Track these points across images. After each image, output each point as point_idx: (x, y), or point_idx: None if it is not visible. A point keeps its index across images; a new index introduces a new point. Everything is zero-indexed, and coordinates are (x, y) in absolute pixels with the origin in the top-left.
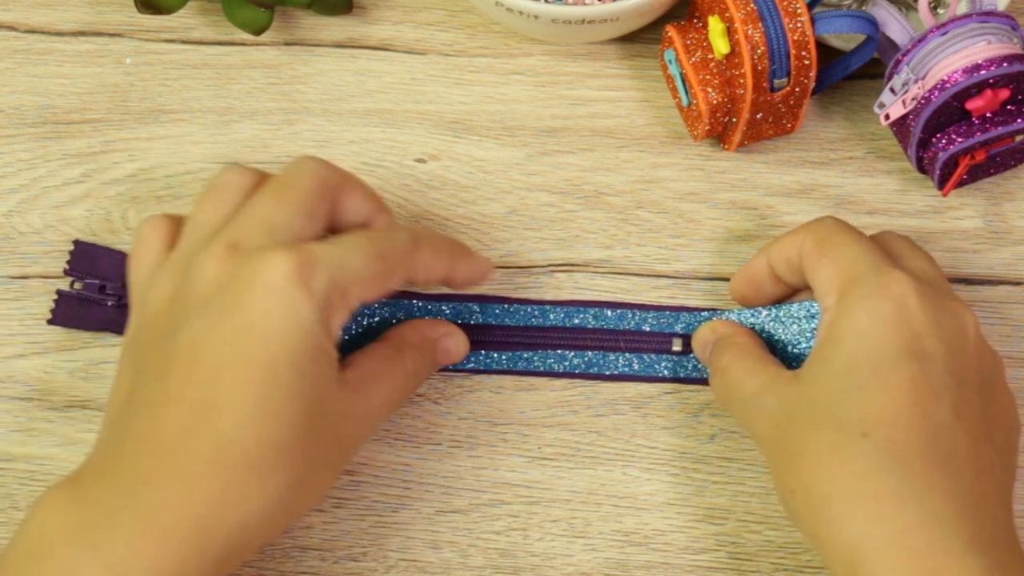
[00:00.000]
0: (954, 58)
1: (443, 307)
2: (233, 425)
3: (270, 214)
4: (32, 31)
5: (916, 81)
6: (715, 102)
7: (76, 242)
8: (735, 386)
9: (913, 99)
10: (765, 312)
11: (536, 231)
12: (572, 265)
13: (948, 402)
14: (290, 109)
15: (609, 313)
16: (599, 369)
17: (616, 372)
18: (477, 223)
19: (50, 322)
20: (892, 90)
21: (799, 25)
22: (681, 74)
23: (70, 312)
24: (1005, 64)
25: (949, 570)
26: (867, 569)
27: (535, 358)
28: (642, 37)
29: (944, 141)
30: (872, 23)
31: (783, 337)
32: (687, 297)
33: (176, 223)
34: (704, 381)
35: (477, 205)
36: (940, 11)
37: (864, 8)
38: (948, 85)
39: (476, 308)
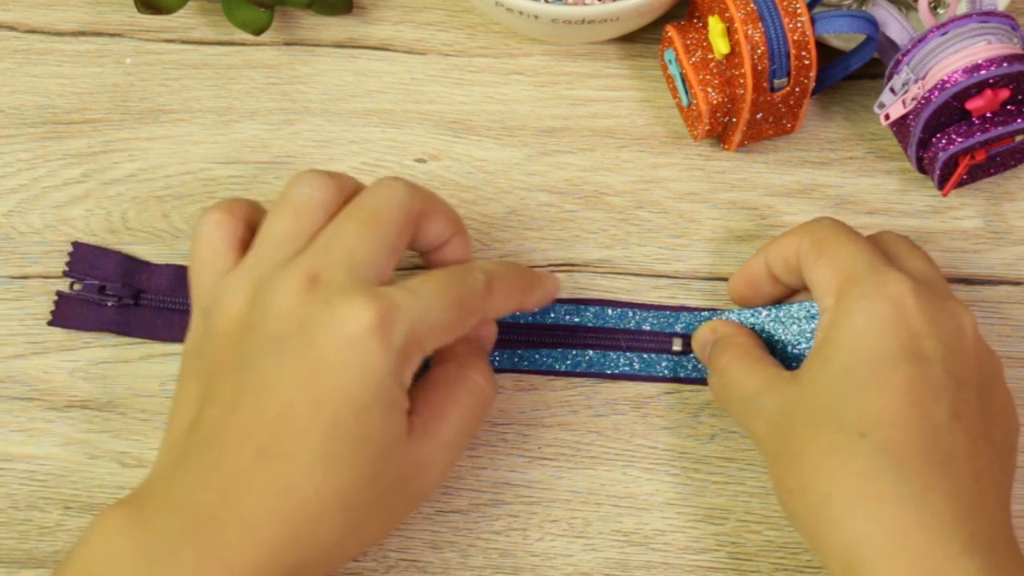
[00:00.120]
0: (954, 58)
1: None
2: (297, 473)
3: (353, 247)
4: (32, 31)
5: (916, 81)
6: (715, 102)
7: (75, 244)
8: (734, 386)
9: (913, 99)
10: (765, 312)
11: (536, 231)
12: (572, 265)
13: (947, 402)
14: (290, 109)
15: (609, 312)
16: (600, 368)
17: (617, 371)
18: (477, 223)
19: (50, 323)
20: (892, 90)
21: (799, 25)
22: (681, 74)
23: (70, 313)
24: (1005, 64)
25: (948, 570)
26: (866, 569)
27: (535, 357)
28: (642, 37)
29: (944, 141)
30: (872, 23)
31: (783, 337)
32: (687, 297)
33: (241, 223)
34: (704, 381)
35: (477, 205)
36: (940, 11)
37: (864, 8)
38: (948, 85)
39: None
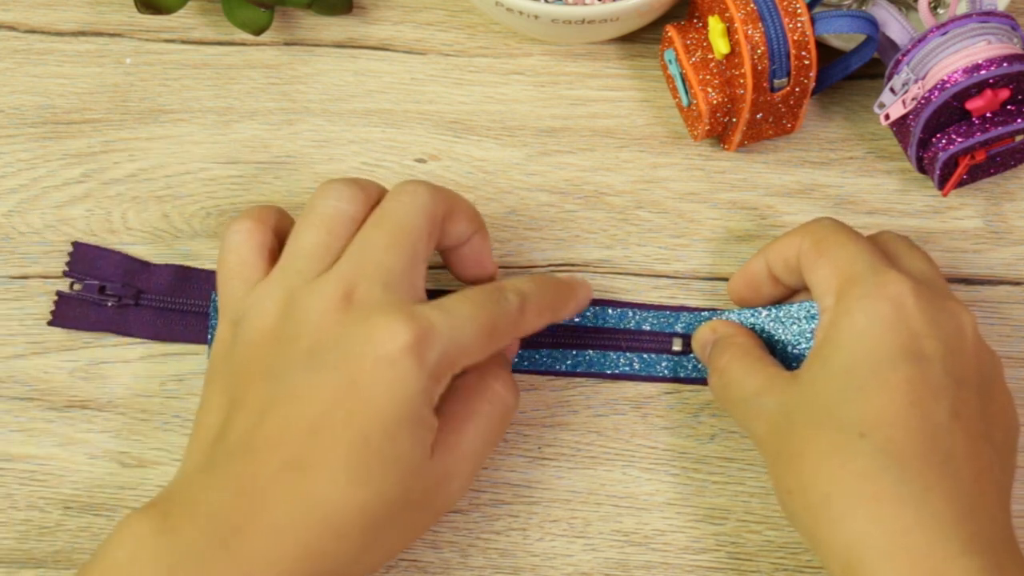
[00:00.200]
0: (954, 58)
1: None
2: (325, 486)
3: (384, 261)
4: (32, 31)
5: (916, 81)
6: (715, 102)
7: (75, 244)
8: (734, 386)
9: (913, 99)
10: (765, 312)
11: (536, 231)
12: (572, 265)
13: (947, 402)
14: (290, 109)
15: (609, 312)
16: (600, 368)
17: (617, 371)
18: None
19: (50, 323)
20: (892, 90)
21: (799, 25)
22: (681, 74)
23: (70, 313)
24: (1005, 64)
25: (948, 570)
26: (866, 569)
27: (535, 357)
28: (642, 37)
29: (944, 141)
30: (872, 23)
31: (783, 337)
32: (687, 297)
33: (269, 232)
34: (704, 381)
35: (477, 205)
36: (940, 11)
37: (864, 8)
38: (948, 85)
39: None
